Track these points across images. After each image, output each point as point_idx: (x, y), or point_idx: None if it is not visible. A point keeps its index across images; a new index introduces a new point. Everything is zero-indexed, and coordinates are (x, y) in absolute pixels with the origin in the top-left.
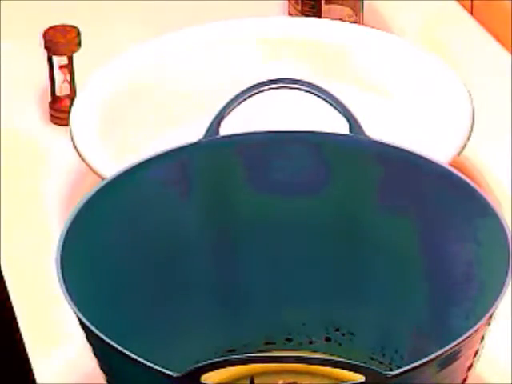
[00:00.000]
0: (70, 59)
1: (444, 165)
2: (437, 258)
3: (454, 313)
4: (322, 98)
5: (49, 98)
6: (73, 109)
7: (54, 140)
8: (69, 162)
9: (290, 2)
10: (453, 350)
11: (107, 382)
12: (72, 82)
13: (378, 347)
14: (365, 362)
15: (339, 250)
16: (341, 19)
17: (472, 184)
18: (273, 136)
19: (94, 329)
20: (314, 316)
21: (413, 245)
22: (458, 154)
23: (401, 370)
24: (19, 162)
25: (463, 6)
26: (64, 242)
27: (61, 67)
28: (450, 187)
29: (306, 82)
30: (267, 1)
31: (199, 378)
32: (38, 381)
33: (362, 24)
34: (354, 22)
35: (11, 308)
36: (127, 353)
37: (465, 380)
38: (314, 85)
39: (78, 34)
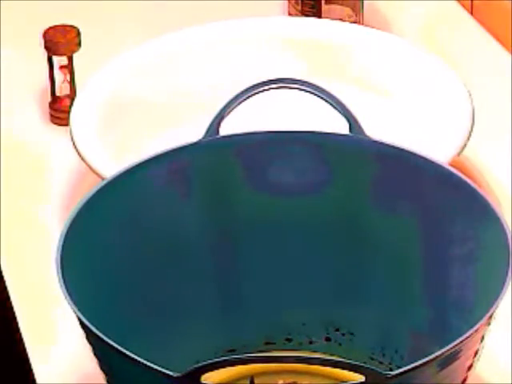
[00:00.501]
0: (70, 59)
1: (444, 165)
2: (437, 258)
3: (454, 313)
4: (322, 98)
5: (49, 98)
6: (73, 109)
7: (54, 140)
8: (69, 162)
9: (289, 2)
10: (453, 350)
11: (107, 382)
12: (72, 81)
13: (378, 347)
14: (365, 362)
15: (339, 250)
16: (341, 19)
17: (472, 184)
18: (273, 136)
19: (94, 329)
20: (314, 316)
21: (413, 245)
22: (458, 154)
23: (401, 370)
24: (19, 162)
25: (463, 5)
26: (64, 242)
27: (61, 67)
28: (450, 187)
29: (306, 81)
30: (267, 1)
31: (199, 378)
32: (38, 381)
33: (362, 24)
34: (354, 22)
35: (11, 308)
36: (127, 353)
37: (465, 380)
38: (314, 85)
39: (78, 33)
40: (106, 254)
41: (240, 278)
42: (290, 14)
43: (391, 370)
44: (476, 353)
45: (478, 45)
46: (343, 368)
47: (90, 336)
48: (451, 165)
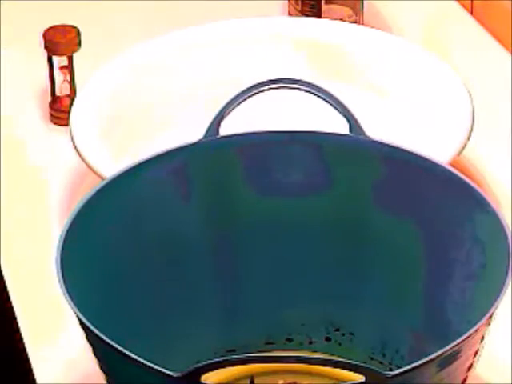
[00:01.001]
0: (70, 59)
1: (444, 165)
2: (437, 258)
3: (454, 313)
4: (322, 98)
5: (49, 98)
6: (73, 109)
7: (54, 140)
8: (69, 162)
9: (289, 2)
10: (453, 350)
11: (107, 382)
12: (72, 81)
13: (378, 347)
14: (365, 362)
15: (339, 250)
16: (341, 19)
17: (472, 184)
18: (273, 136)
19: (94, 329)
20: (314, 316)
21: (413, 245)
22: (458, 154)
23: (401, 370)
24: (19, 162)
25: (463, 5)
26: (64, 242)
27: (61, 67)
28: (450, 187)
29: (306, 82)
30: (267, 1)
31: (199, 378)
32: (38, 381)
33: (362, 24)
34: (354, 22)
35: (11, 308)
36: (127, 353)
37: (465, 380)
38: (313, 85)
39: (78, 33)
40: (105, 254)
41: (240, 278)
42: (290, 14)
43: (391, 369)
44: (476, 353)
45: (478, 45)
46: (343, 368)
47: (90, 336)
48: (451, 165)
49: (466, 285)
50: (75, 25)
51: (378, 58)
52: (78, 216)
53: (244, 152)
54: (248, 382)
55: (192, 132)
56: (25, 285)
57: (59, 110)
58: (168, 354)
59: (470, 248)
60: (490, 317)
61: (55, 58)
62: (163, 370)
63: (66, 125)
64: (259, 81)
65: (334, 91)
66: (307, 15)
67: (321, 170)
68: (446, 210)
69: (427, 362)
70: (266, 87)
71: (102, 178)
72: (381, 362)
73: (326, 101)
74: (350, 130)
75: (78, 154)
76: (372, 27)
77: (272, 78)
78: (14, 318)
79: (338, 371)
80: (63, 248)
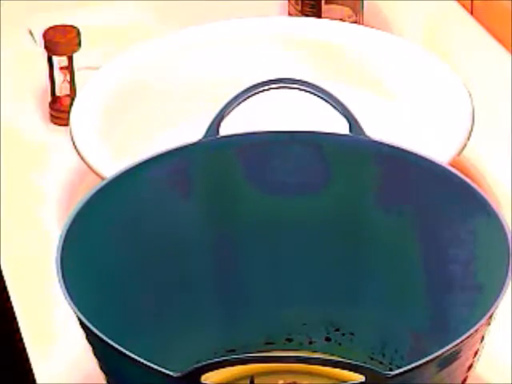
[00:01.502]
0: (70, 59)
1: (444, 165)
2: (436, 258)
3: (454, 313)
4: (322, 98)
5: (49, 98)
6: (73, 109)
7: (54, 140)
8: (69, 162)
9: (289, 2)
10: (453, 350)
11: (107, 382)
12: (72, 82)
13: (378, 347)
14: (365, 362)
15: (339, 250)
16: (341, 19)
17: (472, 184)
18: (273, 136)
19: (94, 329)
20: (314, 316)
21: (412, 245)
22: (458, 154)
23: (401, 370)
24: (19, 162)
25: (463, 5)
26: (64, 242)
27: (61, 68)
28: (450, 187)
29: (305, 82)
30: (267, 1)
31: (199, 378)
32: (38, 381)
33: (362, 24)
34: (354, 22)
35: (11, 308)
36: (127, 353)
37: (465, 380)
38: (314, 85)
39: (78, 33)
40: (105, 254)
41: (240, 277)
42: (290, 14)
43: (391, 369)
44: (476, 353)
45: (478, 45)
46: (343, 368)
47: (90, 336)
48: (451, 165)
49: (465, 284)
50: (75, 25)
51: (378, 58)
52: (78, 216)
53: (244, 152)
54: (248, 382)
55: (192, 132)
56: (25, 285)
57: (59, 110)
58: (168, 354)
59: (469, 248)
60: (490, 317)
61: (55, 58)
62: (163, 370)
63: (66, 125)
64: (259, 81)
65: (334, 91)
66: (307, 15)
67: (321, 169)
68: (446, 210)
69: (427, 361)
70: (266, 87)
71: (102, 178)
72: (381, 362)
73: (326, 101)
74: (350, 130)
75: (78, 153)
76: (372, 27)
77: (272, 78)
78: (14, 318)
79: (337, 371)
80: (63, 248)
